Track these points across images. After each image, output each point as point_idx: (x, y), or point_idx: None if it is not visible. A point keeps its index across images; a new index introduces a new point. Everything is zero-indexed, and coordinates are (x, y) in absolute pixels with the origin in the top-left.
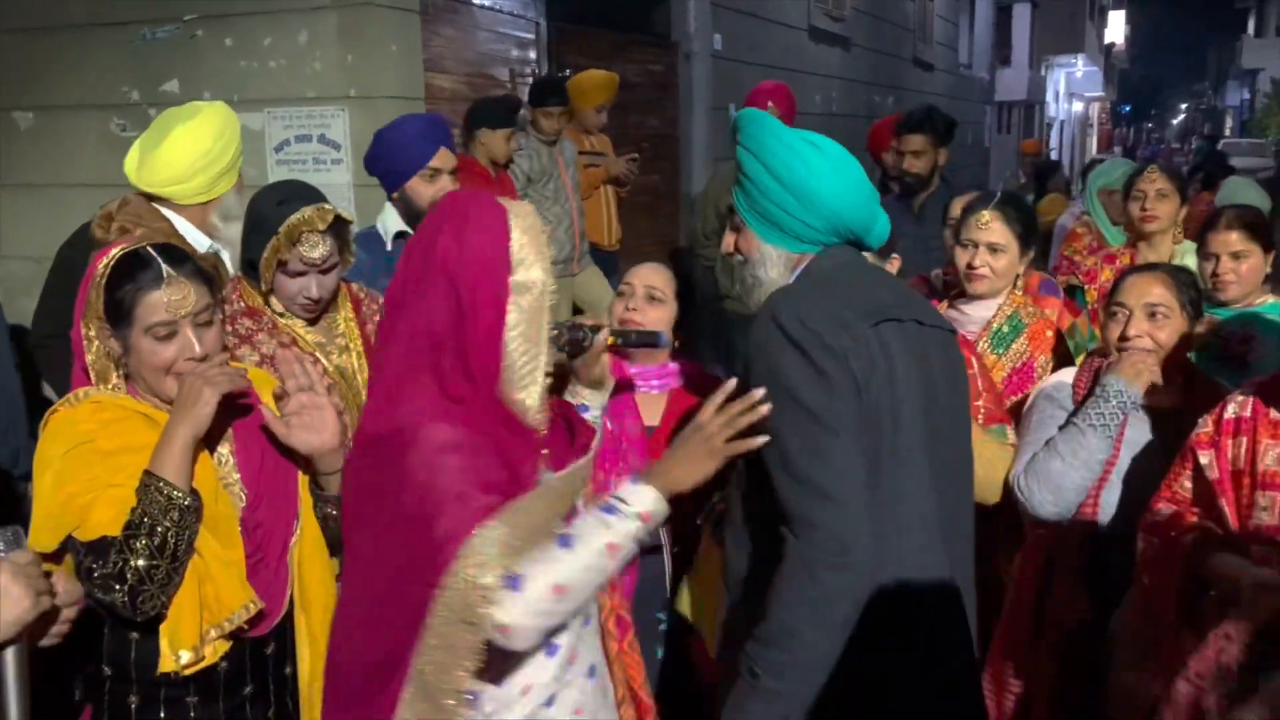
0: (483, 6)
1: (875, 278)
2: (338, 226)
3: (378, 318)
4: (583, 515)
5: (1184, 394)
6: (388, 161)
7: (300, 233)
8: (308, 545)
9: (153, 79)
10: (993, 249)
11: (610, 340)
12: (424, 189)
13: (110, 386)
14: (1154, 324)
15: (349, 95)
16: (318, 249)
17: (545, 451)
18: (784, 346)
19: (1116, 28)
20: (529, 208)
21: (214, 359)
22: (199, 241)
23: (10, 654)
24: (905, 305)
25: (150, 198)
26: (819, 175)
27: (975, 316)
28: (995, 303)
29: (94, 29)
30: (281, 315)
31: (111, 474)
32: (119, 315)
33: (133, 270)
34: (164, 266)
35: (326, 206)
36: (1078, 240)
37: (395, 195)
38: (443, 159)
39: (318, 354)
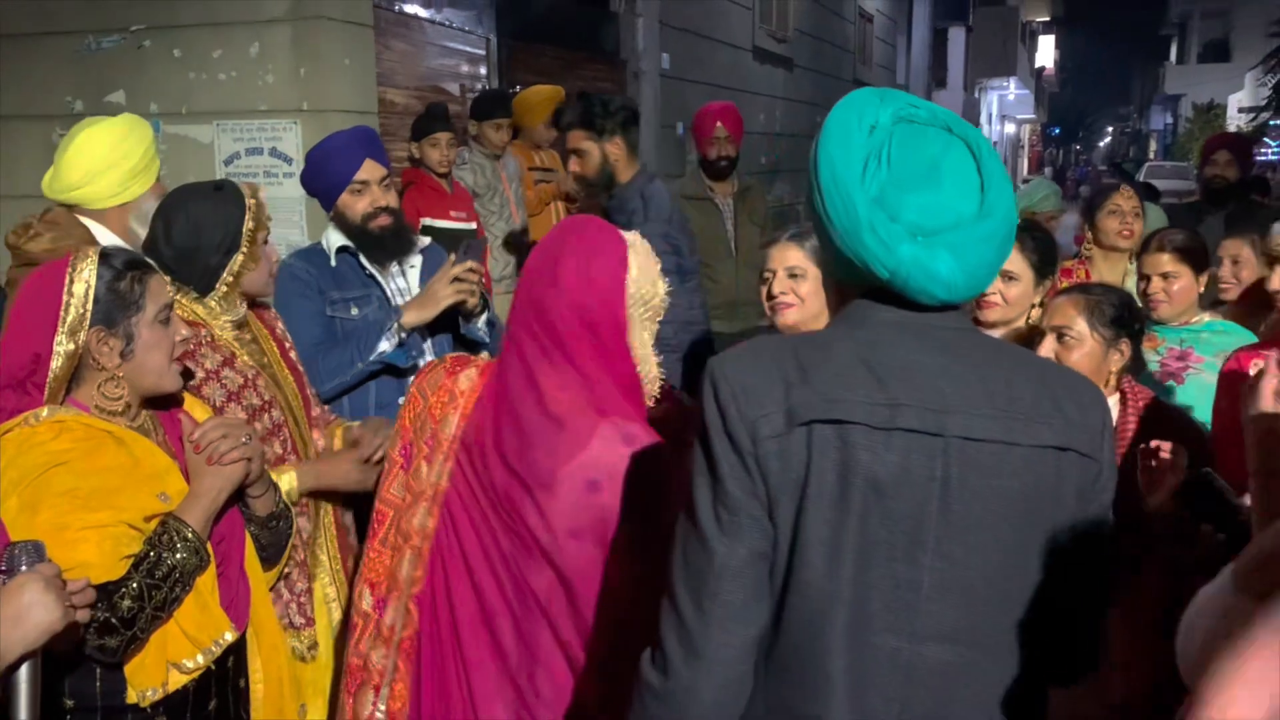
0: (434, 22)
1: (923, 357)
2: None
3: (279, 325)
4: None
5: (1119, 412)
6: (318, 179)
7: (263, 201)
8: (250, 558)
9: (97, 89)
10: (1006, 277)
11: None
12: (354, 203)
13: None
14: (1061, 345)
15: (301, 108)
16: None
17: None
18: (702, 420)
19: (1046, 52)
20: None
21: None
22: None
23: (25, 666)
24: (937, 412)
25: (68, 207)
26: (825, 135)
27: None
28: (1015, 329)
29: (37, 37)
30: (221, 330)
31: (98, 503)
32: (124, 308)
33: (123, 264)
34: (146, 258)
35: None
36: None
37: (331, 213)
38: (369, 170)
39: (254, 365)
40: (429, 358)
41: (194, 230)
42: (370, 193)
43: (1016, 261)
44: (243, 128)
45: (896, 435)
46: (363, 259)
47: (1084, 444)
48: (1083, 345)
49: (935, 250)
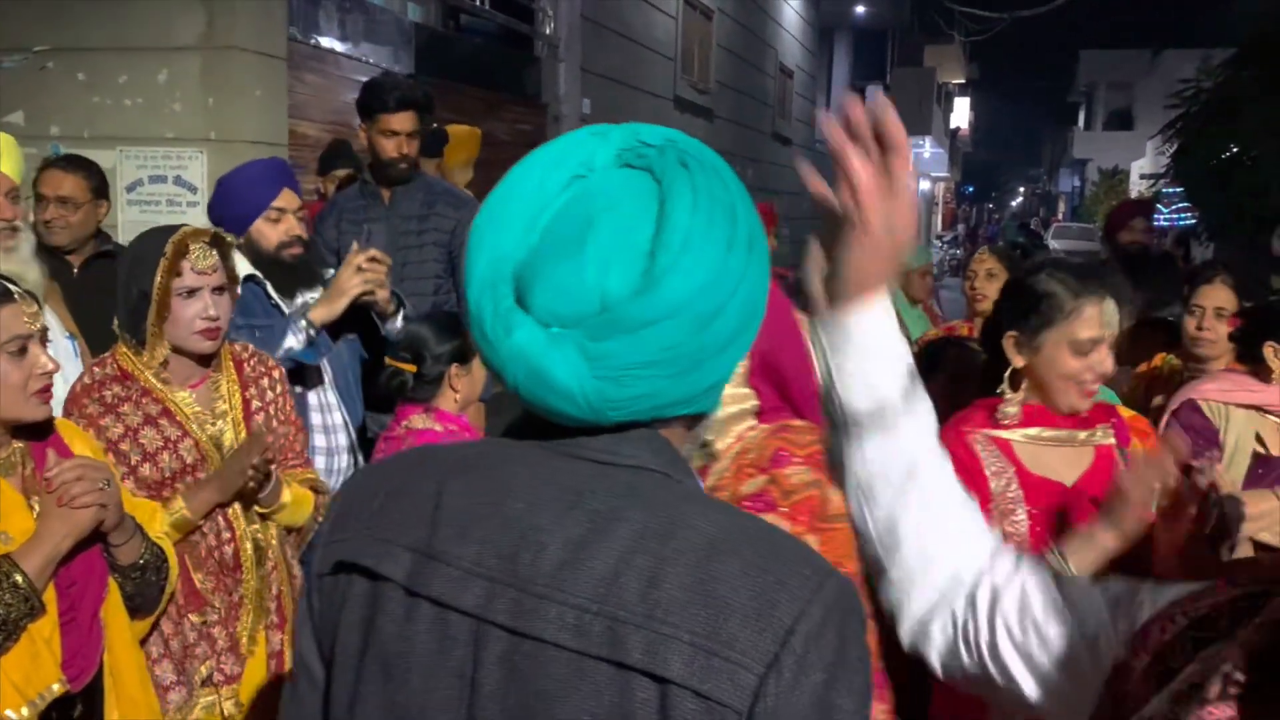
0: (350, 57)
1: (517, 501)
2: (221, 245)
3: (264, 381)
4: None
5: None
6: (232, 206)
7: (187, 244)
8: (113, 606)
9: None
10: (1219, 313)
11: None
12: (269, 230)
13: None
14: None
15: (209, 138)
16: (207, 259)
17: None
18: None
19: (961, 113)
20: None
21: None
22: None
23: None
24: (497, 587)
25: None
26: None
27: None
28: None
29: None
30: (162, 382)
31: None
32: None
33: None
34: (8, 284)
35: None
36: None
37: (241, 240)
38: (286, 199)
39: (187, 424)
40: (339, 352)
41: (124, 273)
42: (286, 221)
43: (1229, 299)
44: (147, 155)
45: (424, 605)
46: (269, 289)
47: (721, 685)
48: None
49: (560, 346)
